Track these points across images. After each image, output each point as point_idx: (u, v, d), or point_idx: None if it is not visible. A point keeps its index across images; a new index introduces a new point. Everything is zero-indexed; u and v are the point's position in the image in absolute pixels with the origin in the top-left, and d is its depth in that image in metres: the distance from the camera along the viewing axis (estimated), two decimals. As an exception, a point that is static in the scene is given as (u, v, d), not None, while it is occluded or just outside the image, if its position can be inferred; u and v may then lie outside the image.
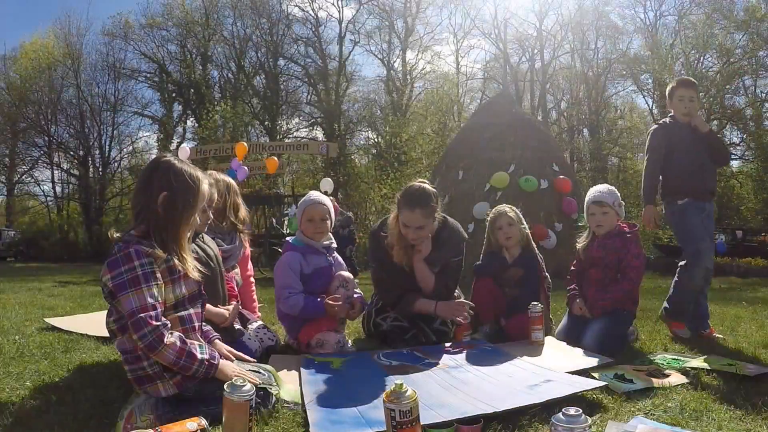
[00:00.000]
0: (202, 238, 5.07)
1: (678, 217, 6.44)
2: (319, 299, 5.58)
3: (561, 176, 19.20)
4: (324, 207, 5.88)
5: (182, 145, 35.26)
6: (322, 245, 5.90)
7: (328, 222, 5.93)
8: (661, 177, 6.61)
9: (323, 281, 5.80)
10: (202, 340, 3.72)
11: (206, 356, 3.47)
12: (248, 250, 6.42)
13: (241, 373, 3.55)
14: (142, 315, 3.25)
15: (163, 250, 3.50)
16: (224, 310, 4.98)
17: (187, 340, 3.44)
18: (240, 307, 5.61)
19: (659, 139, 6.61)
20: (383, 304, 6.14)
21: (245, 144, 22.32)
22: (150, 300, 3.31)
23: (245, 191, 21.62)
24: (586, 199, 6.22)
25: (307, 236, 5.85)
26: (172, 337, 3.34)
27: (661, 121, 6.83)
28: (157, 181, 3.61)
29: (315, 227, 5.83)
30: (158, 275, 3.44)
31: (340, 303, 5.57)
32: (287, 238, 6.06)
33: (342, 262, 6.15)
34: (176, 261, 3.57)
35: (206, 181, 3.84)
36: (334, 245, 6.10)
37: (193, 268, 3.66)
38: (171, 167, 3.66)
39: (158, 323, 3.29)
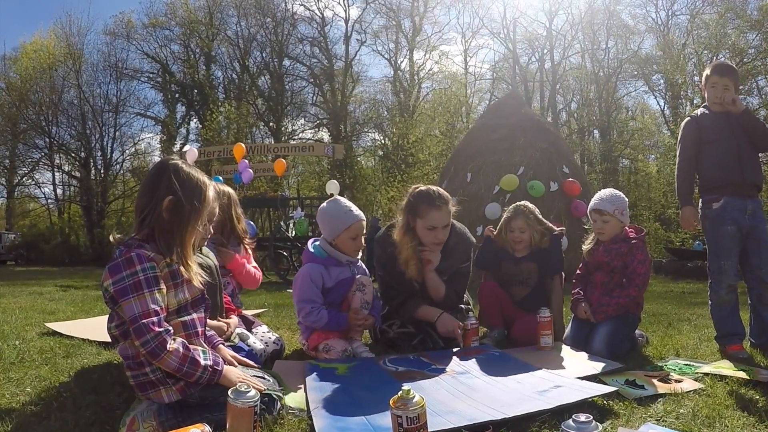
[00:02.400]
0: (200, 250, 5.05)
1: (710, 225, 6.00)
2: (342, 314, 5.55)
3: (570, 179, 19.18)
4: (365, 222, 5.81)
5: (189, 146, 35.18)
6: (348, 259, 5.80)
7: None
8: (697, 175, 6.13)
9: (344, 291, 5.72)
10: (205, 346, 3.70)
11: (210, 362, 3.44)
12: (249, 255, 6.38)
13: (245, 379, 3.55)
14: (144, 321, 3.23)
15: (168, 254, 3.49)
16: (224, 323, 4.98)
17: (191, 346, 3.42)
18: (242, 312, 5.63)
19: (690, 131, 6.13)
20: (389, 311, 6.11)
21: (243, 145, 22.33)
22: (152, 305, 3.29)
23: (249, 194, 21.67)
24: (589, 205, 6.16)
25: (345, 252, 5.72)
26: (174, 344, 3.31)
27: (693, 113, 6.37)
28: (163, 184, 3.58)
29: (356, 245, 5.74)
30: (161, 280, 3.42)
31: (362, 319, 5.56)
32: (308, 246, 5.86)
33: (364, 267, 6.04)
34: (181, 267, 3.55)
35: (212, 187, 3.82)
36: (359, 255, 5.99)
37: (196, 274, 3.64)
38: (178, 171, 3.64)
39: (160, 329, 3.26)
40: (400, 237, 5.92)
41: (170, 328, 3.36)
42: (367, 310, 5.65)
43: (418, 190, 5.92)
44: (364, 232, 5.82)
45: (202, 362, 3.40)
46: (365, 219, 5.84)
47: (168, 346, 3.26)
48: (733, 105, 5.85)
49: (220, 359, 3.59)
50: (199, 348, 3.52)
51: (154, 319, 3.27)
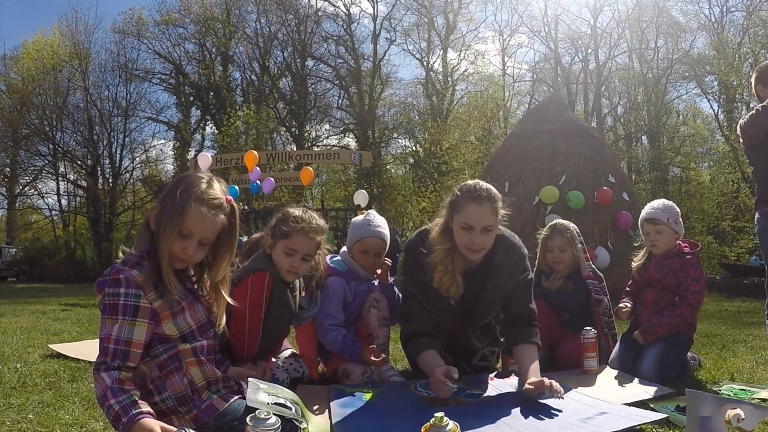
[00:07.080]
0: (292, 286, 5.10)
1: (766, 236, 5.98)
2: (356, 343, 5.51)
3: (604, 188, 18.93)
4: (383, 242, 5.77)
5: (203, 153, 35.03)
6: (365, 275, 5.84)
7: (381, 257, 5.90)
8: (756, 185, 6.07)
9: (360, 305, 5.80)
10: (217, 371, 3.67)
11: (117, 406, 3.03)
12: None
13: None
14: (104, 345, 3.19)
15: (154, 269, 3.43)
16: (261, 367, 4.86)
17: (116, 386, 3.10)
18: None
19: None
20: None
21: (255, 152, 22.35)
22: (115, 335, 3.21)
23: (269, 204, 21.69)
24: (641, 216, 6.13)
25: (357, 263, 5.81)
26: (105, 373, 3.13)
27: None
28: (161, 195, 3.61)
29: (367, 261, 5.76)
30: (144, 312, 3.32)
31: (379, 361, 5.42)
32: (327, 258, 5.84)
33: (378, 287, 6.05)
34: (168, 287, 3.46)
35: (211, 205, 3.55)
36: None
37: (176, 292, 3.52)
38: (181, 179, 3.63)
39: (106, 357, 3.17)
40: (436, 237, 5.05)
41: (120, 363, 3.17)
42: (386, 327, 5.73)
43: (465, 182, 5.05)
44: (381, 251, 5.85)
45: (110, 401, 3.06)
46: (386, 240, 5.82)
47: (96, 373, 3.15)
48: None
49: (140, 412, 3.03)
50: (134, 391, 3.17)
51: (111, 347, 3.19)
